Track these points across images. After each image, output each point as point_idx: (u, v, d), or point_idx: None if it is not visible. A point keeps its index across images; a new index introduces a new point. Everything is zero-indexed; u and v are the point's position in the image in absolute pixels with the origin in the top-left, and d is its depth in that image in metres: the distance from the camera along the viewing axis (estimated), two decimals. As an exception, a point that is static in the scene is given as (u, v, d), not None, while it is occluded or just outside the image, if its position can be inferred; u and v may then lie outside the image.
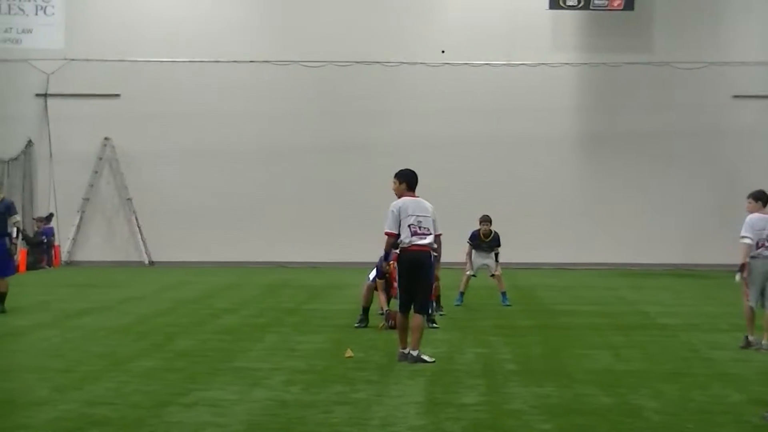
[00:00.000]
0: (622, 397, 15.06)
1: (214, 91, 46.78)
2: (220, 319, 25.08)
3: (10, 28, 47.88)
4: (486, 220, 29.52)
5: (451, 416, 13.58)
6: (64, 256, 46.54)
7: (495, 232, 29.59)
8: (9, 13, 47.94)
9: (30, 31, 48.07)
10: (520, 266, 41.66)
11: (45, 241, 44.85)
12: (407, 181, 18.67)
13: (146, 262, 45.83)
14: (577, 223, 46.11)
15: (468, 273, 29.29)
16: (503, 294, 29.03)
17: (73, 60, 47.42)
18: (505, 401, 14.74)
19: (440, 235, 18.49)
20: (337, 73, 46.67)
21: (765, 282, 20.07)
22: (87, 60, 47.15)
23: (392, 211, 18.19)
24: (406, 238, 18.10)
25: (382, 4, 47.22)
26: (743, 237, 20.10)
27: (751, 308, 20.07)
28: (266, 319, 24.38)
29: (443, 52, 46.95)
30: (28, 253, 43.73)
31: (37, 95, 47.65)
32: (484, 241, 29.46)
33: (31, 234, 45.07)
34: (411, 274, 18.15)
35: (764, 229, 20.08)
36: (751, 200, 20.62)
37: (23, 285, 31.35)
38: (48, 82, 47.56)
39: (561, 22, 47.14)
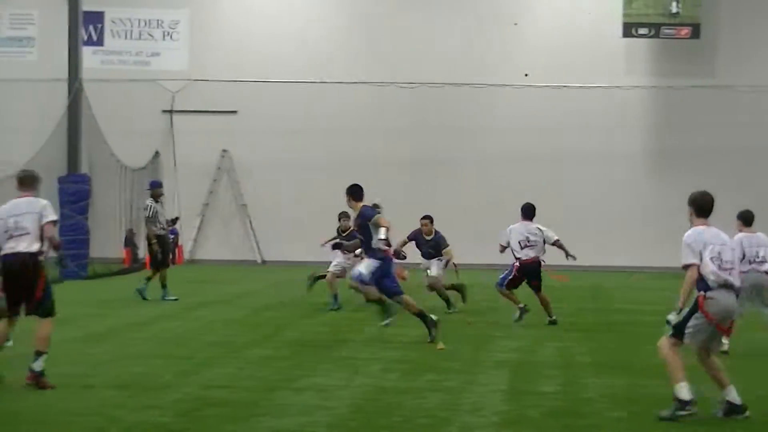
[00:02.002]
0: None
1: (319, 109, 46.92)
2: (323, 312, 25.15)
3: (141, 52, 48.39)
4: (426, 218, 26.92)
5: (532, 403, 13.54)
6: (186, 255, 46.92)
7: (438, 232, 26.71)
8: (140, 38, 48.44)
9: (158, 54, 48.53)
10: (597, 269, 41.43)
11: (172, 240, 45.11)
12: None
13: (259, 260, 46.05)
14: (646, 230, 45.76)
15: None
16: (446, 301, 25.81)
17: (195, 80, 47.74)
18: (580, 391, 14.68)
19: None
20: (429, 94, 46.63)
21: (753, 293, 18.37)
22: (208, 80, 47.45)
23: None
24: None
25: (471, 31, 47.14)
26: None
27: None
28: (365, 313, 24.40)
29: (527, 75, 46.82)
30: (153, 253, 43.89)
31: (164, 111, 48.02)
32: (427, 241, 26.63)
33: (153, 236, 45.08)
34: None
35: (751, 247, 18.72)
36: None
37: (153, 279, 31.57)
38: (173, 100, 47.93)
39: (633, 49, 46.88)
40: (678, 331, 12.61)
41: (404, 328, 20.61)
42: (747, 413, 12.48)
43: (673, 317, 12.65)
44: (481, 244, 34.84)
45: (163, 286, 27.39)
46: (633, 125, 46.72)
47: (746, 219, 19.13)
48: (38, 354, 14.04)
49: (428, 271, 26.08)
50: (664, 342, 12.70)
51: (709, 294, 12.49)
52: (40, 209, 14.31)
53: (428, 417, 12.58)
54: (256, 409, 13.00)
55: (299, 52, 47.43)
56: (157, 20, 48.55)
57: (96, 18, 46.79)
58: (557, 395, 14.25)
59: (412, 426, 12.09)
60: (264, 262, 46.07)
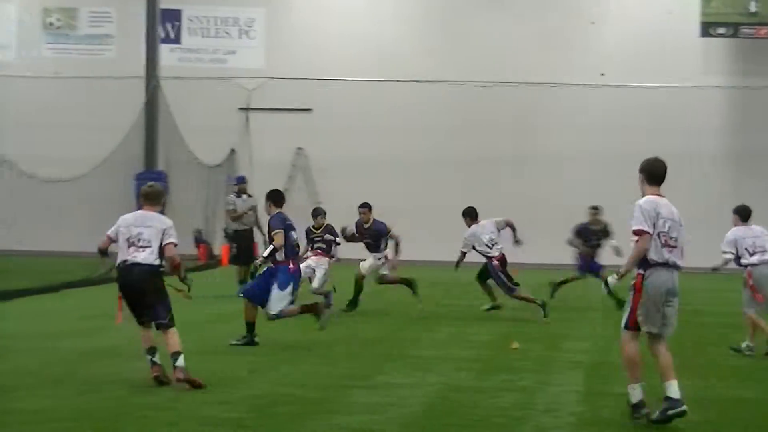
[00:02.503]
0: (762, 392, 14.82)
1: (391, 107, 46.94)
2: (400, 309, 25.12)
3: (218, 50, 48.63)
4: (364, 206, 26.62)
5: (609, 405, 13.42)
6: (261, 251, 46.98)
7: (376, 220, 26.26)
8: (216, 36, 48.68)
9: (234, 52, 48.76)
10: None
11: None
12: None
13: (333, 258, 46.10)
14: (720, 231, 45.23)
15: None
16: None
17: (271, 78, 47.93)
18: (657, 392, 14.51)
19: None
20: (503, 93, 46.56)
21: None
22: (283, 78, 47.61)
23: None
24: None
25: (548, 30, 46.98)
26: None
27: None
28: (443, 309, 24.39)
29: (603, 74, 46.60)
30: (230, 248, 44.10)
31: (240, 109, 48.22)
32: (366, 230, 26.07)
33: (231, 231, 45.41)
34: None
35: (746, 238, 18.74)
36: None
37: (227, 276, 31.76)
38: (249, 98, 48.13)
39: (711, 49, 46.54)
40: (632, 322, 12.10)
41: (478, 327, 20.53)
42: (684, 407, 11.99)
43: (612, 280, 12.45)
44: (553, 243, 34.64)
45: (241, 282, 27.47)
46: (710, 125, 46.34)
47: (743, 214, 19.22)
48: (175, 354, 14.19)
49: (361, 263, 25.55)
50: (624, 337, 12.18)
51: (647, 273, 11.97)
52: (165, 228, 14.46)
53: (503, 416, 12.52)
54: (329, 406, 13.01)
55: (373, 50, 47.51)
56: (234, 18, 48.78)
57: (173, 16, 47.09)
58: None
59: (486, 425, 12.03)
60: (338, 259, 46.07)
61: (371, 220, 25.86)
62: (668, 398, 11.99)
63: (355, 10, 47.98)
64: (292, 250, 19.03)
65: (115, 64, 47.16)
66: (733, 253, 18.67)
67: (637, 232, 12.11)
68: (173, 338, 14.29)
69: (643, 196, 12.63)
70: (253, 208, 27.97)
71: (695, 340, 20.42)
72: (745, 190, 43.78)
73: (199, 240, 43.53)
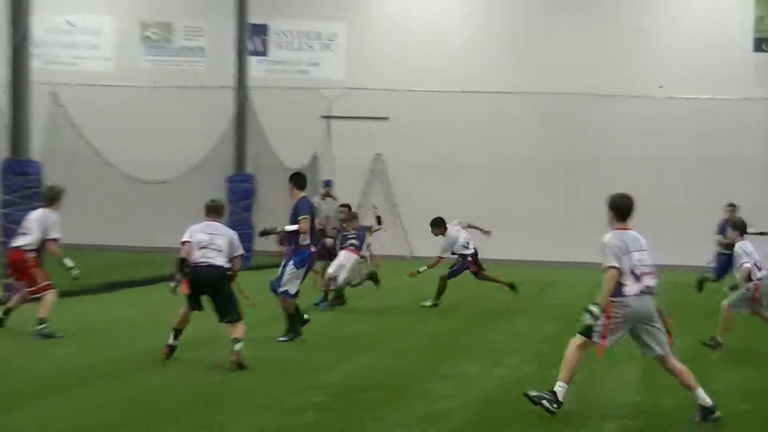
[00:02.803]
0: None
1: (462, 116, 46.88)
2: (471, 304, 25.29)
3: (302, 62, 48.95)
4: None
5: (662, 395, 13.52)
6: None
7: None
8: (301, 49, 48.98)
9: (317, 64, 49.04)
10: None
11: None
12: None
13: (408, 255, 46.25)
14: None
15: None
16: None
17: (351, 88, 48.14)
18: (709, 383, 14.60)
19: None
20: (568, 102, 46.49)
21: None
22: (363, 88, 47.80)
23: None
24: None
25: (609, 44, 46.88)
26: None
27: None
28: (508, 305, 24.51)
29: (661, 87, 46.44)
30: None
31: (322, 117, 48.46)
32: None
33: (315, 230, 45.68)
34: None
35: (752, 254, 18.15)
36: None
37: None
38: (331, 107, 48.38)
39: (763, 63, 46.27)
40: (588, 331, 12.02)
41: (540, 323, 20.63)
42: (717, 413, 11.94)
43: (595, 308, 11.91)
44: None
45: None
46: (758, 135, 46.05)
47: (741, 228, 18.72)
48: (236, 340, 14.87)
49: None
50: (579, 341, 12.15)
51: (622, 300, 11.84)
52: (232, 238, 15.52)
53: (565, 405, 12.47)
54: (404, 394, 13.18)
55: (446, 62, 47.56)
56: (317, 32, 49.06)
57: (261, 30, 47.46)
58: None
59: (547, 415, 12.05)
60: (413, 257, 46.29)
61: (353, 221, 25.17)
62: (700, 406, 11.95)
63: (429, 25, 48.06)
64: (314, 236, 18.33)
65: (207, 75, 47.61)
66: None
67: (610, 269, 11.99)
68: (239, 329, 15.02)
69: (612, 229, 12.45)
70: (337, 211, 28.18)
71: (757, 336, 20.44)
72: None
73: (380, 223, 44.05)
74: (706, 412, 11.92)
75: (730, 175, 45.43)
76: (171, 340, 15.35)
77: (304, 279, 18.07)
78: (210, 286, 15.18)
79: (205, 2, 47.72)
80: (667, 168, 45.72)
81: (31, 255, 18.23)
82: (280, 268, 18.20)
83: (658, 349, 12.15)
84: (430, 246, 27.45)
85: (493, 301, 26.04)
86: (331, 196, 29.84)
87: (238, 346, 14.81)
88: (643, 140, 46.25)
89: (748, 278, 17.90)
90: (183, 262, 15.21)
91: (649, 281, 12.04)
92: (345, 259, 24.00)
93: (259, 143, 40.39)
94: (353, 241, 24.59)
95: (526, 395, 11.93)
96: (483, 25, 47.99)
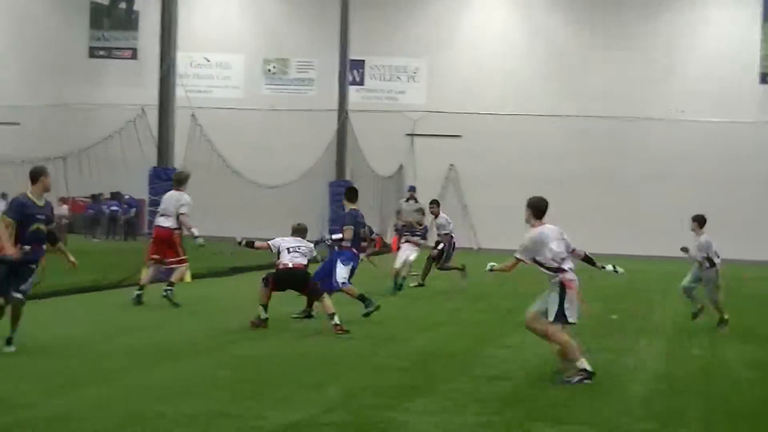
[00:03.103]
0: None
1: (523, 134, 46.78)
2: (528, 288, 25.04)
3: (391, 90, 48.98)
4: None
5: (685, 364, 13.33)
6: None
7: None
8: (390, 80, 49.03)
9: (403, 92, 49.03)
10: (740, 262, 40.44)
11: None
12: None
13: (475, 248, 46.01)
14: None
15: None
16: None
17: (431, 111, 48.10)
18: (720, 354, 14.37)
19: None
20: (613, 125, 46.23)
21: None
22: (440, 112, 47.73)
23: None
24: None
25: (641, 76, 46.44)
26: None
27: None
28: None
29: (683, 111, 45.99)
30: (398, 239, 44.35)
31: (407, 135, 48.46)
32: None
33: (399, 227, 45.65)
34: None
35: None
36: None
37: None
38: (414, 126, 48.36)
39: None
40: (561, 316, 11.58)
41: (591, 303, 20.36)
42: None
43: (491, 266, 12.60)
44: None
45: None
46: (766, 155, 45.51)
47: (701, 222, 17.53)
48: (331, 315, 15.00)
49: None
50: (554, 329, 11.58)
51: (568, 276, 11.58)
52: (312, 250, 15.93)
53: (602, 371, 12.30)
54: (474, 358, 13.10)
55: (510, 90, 47.39)
56: (404, 66, 49.03)
57: (359, 65, 47.50)
58: (701, 357, 13.98)
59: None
60: (479, 249, 46.06)
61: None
62: (586, 369, 11.41)
63: (495, 59, 47.90)
64: (357, 242, 17.28)
65: (315, 101, 47.83)
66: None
67: (517, 259, 11.99)
68: (327, 303, 15.14)
69: (532, 226, 12.18)
70: (419, 211, 27.89)
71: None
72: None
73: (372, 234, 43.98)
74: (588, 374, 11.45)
75: (738, 189, 44.89)
76: (263, 314, 15.31)
77: (353, 273, 17.12)
78: (298, 280, 15.64)
79: (316, 42, 47.89)
80: (685, 181, 45.38)
81: (177, 232, 18.29)
82: (323, 265, 17.46)
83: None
84: (494, 240, 27.42)
85: (545, 285, 25.70)
86: (414, 199, 29.68)
87: (335, 320, 14.81)
88: (669, 158, 45.84)
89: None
90: (251, 245, 16.06)
91: (566, 265, 11.74)
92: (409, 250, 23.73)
93: (356, 155, 40.43)
94: (417, 236, 24.21)
95: (566, 382, 11.33)
96: (540, 59, 47.82)
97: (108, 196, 44.85)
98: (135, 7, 50.65)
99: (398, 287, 22.67)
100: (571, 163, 46.14)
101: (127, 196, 43.76)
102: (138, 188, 34.98)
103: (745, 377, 12.48)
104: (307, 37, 48.85)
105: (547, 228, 12.00)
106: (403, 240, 24.38)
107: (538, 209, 12.25)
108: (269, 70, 49.96)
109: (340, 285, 16.89)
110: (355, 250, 17.14)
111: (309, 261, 15.93)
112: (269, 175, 38.45)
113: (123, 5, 50.93)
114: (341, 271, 16.84)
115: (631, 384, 11.61)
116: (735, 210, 44.34)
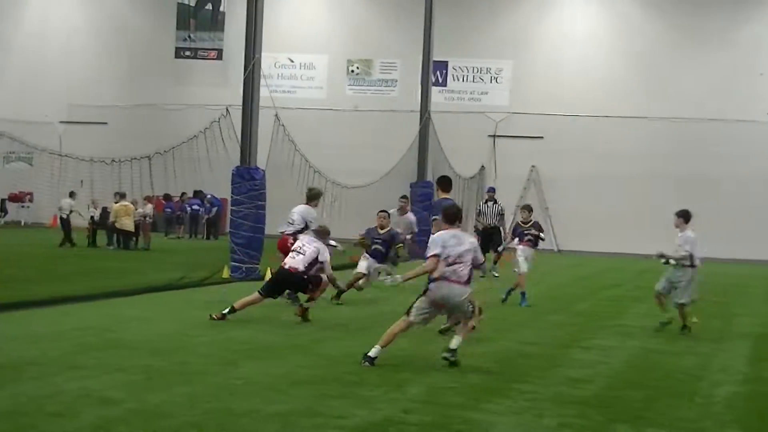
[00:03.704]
0: None
1: (604, 135, 46.51)
2: (607, 290, 24.95)
3: (474, 91, 48.96)
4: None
5: (768, 368, 13.21)
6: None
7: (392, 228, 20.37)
8: (473, 81, 48.98)
9: (486, 93, 48.97)
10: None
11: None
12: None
13: (555, 249, 45.76)
14: None
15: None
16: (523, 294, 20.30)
17: (513, 113, 47.98)
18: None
19: None
20: (688, 126, 45.75)
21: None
22: (522, 113, 47.59)
23: None
24: None
25: (727, 78, 45.86)
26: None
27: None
28: (639, 293, 24.07)
29: (768, 113, 45.58)
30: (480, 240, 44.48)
31: (489, 136, 48.38)
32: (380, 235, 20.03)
33: (480, 228, 45.71)
34: None
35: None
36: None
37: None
38: (496, 127, 48.27)
39: None
40: (409, 309, 12.24)
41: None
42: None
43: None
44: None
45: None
46: None
47: (687, 217, 16.99)
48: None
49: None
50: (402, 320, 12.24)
51: (431, 285, 11.98)
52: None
53: (684, 374, 12.41)
54: (555, 361, 13.06)
55: (591, 92, 47.11)
56: (487, 68, 48.96)
57: (442, 66, 47.53)
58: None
59: (671, 379, 11.92)
60: (560, 251, 45.80)
61: (388, 227, 20.13)
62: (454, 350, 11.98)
63: (577, 62, 47.67)
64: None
65: (398, 101, 48.00)
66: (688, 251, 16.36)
67: (430, 256, 12.07)
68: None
69: (440, 230, 12.46)
70: (500, 212, 27.74)
71: None
72: None
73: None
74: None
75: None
76: (227, 310, 15.64)
77: None
78: (287, 284, 16.44)
79: (399, 43, 48.04)
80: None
81: (292, 239, 18.13)
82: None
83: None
84: (576, 242, 27.19)
85: (631, 286, 25.55)
86: (493, 200, 29.58)
87: (306, 304, 15.97)
88: (751, 158, 45.31)
89: None
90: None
91: (457, 270, 12.01)
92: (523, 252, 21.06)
93: (437, 156, 40.44)
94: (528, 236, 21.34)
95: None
96: (621, 62, 47.46)
97: (191, 195, 45.43)
98: (221, 8, 51.28)
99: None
100: (655, 165, 45.71)
101: (209, 195, 44.30)
102: (221, 188, 35.43)
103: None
104: (390, 38, 49.03)
105: (448, 233, 12.23)
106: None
107: (446, 215, 12.56)
108: (353, 71, 50.22)
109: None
110: None
111: (316, 261, 15.90)
112: (351, 175, 38.74)
113: (209, 6, 51.59)
114: None
115: (714, 387, 11.51)
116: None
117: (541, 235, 21.15)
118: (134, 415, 8.82)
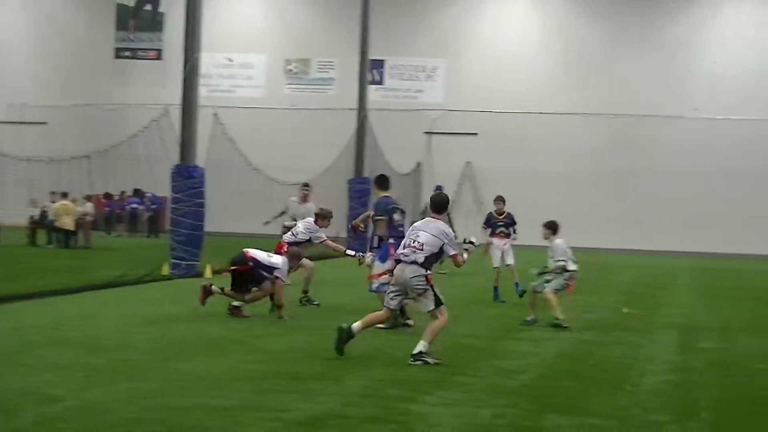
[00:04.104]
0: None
1: (536, 131, 46.94)
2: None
3: (410, 89, 49.15)
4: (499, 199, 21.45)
5: (696, 356, 13.38)
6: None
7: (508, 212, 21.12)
8: (409, 79, 49.19)
9: (422, 91, 49.18)
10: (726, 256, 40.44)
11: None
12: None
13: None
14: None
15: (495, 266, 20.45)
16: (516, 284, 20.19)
17: (448, 110, 48.23)
18: (732, 348, 14.42)
19: None
20: (621, 123, 46.30)
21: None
22: (457, 110, 47.87)
23: None
24: None
25: (657, 73, 46.41)
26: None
27: None
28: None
29: (696, 109, 46.01)
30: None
31: (425, 133, 48.59)
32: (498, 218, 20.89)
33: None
34: None
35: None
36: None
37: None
38: (432, 125, 48.46)
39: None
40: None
41: (597, 297, 20.41)
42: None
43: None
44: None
45: None
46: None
47: (554, 228, 16.57)
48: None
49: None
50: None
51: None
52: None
53: (614, 363, 12.57)
54: (490, 352, 13.15)
55: (526, 89, 47.50)
56: (422, 66, 49.16)
57: (379, 64, 47.63)
58: (713, 351, 14.02)
59: (602, 369, 12.06)
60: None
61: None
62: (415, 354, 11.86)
63: (512, 59, 48.04)
64: (394, 231, 15.28)
65: (335, 100, 47.98)
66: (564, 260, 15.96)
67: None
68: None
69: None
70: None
71: None
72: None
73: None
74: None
75: (753, 182, 44.85)
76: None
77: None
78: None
79: (336, 42, 48.06)
80: (697, 175, 45.41)
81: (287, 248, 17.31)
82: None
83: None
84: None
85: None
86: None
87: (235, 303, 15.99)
88: (681, 153, 45.90)
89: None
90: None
91: (412, 255, 12.10)
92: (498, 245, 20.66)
93: (374, 153, 40.49)
94: (502, 227, 21.01)
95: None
96: (554, 60, 47.91)
97: (130, 194, 45.06)
98: (160, 9, 50.89)
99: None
100: (590, 161, 46.21)
101: (149, 194, 43.96)
102: (161, 186, 35.18)
103: (757, 368, 12.53)
104: (327, 37, 49.01)
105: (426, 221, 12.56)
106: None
107: (432, 203, 12.91)
108: (291, 70, 50.13)
109: (374, 289, 15.25)
110: (392, 241, 15.00)
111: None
112: (290, 172, 38.63)
113: (149, 7, 51.19)
114: (376, 270, 15.10)
115: (642, 376, 11.67)
116: (757, 206, 44.58)
117: (514, 228, 20.55)
118: (75, 412, 8.77)
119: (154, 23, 51.03)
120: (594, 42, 47.38)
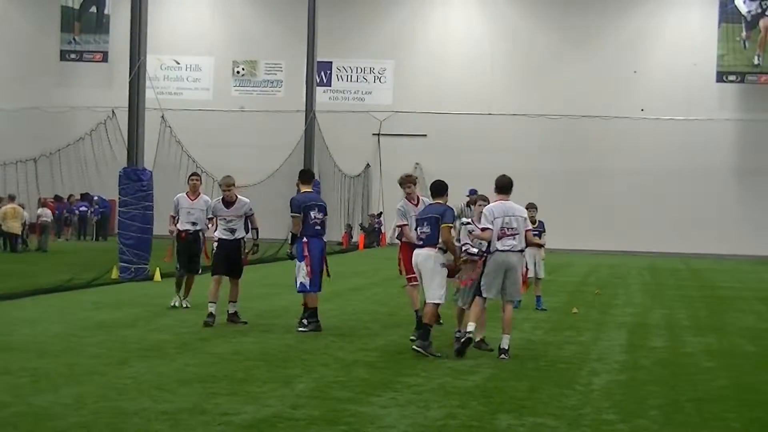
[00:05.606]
0: (764, 347, 14.70)
1: (485, 133, 47.18)
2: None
3: (358, 91, 49.10)
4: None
5: (645, 355, 13.43)
6: (388, 239, 47.26)
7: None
8: (357, 81, 49.15)
9: (370, 93, 49.14)
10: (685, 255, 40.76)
11: (377, 229, 45.78)
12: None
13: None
14: (728, 229, 44.84)
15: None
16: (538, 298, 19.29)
17: (397, 112, 48.25)
18: (681, 346, 14.48)
19: None
20: (568, 123, 46.53)
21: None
22: (406, 112, 47.92)
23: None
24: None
25: (600, 75, 46.75)
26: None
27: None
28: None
29: (642, 110, 46.38)
30: (365, 237, 44.59)
31: (373, 134, 48.59)
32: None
33: (366, 225, 45.95)
34: None
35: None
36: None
37: (364, 257, 31.86)
38: (380, 126, 48.43)
39: (725, 91, 46.01)
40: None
41: (547, 296, 20.48)
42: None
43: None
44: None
45: None
46: (723, 149, 45.92)
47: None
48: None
49: None
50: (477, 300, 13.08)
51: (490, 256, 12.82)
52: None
53: (565, 363, 12.58)
54: (440, 353, 13.05)
55: (475, 90, 47.70)
56: (370, 68, 49.15)
57: (326, 66, 47.54)
58: (663, 349, 14.08)
59: (553, 369, 12.05)
60: (445, 245, 46.10)
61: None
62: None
63: (461, 60, 48.22)
64: (310, 229, 14.67)
65: (283, 101, 47.85)
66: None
67: (483, 230, 12.98)
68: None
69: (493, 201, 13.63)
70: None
71: (720, 309, 20.26)
72: (751, 201, 43.49)
73: (349, 229, 44.26)
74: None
75: (698, 181, 45.33)
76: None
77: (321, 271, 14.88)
78: None
79: (283, 45, 47.92)
80: (645, 175, 45.79)
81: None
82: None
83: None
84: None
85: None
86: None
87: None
88: (629, 153, 46.27)
89: None
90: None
91: (516, 240, 12.97)
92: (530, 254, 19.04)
93: (323, 155, 40.42)
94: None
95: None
96: (503, 61, 48.16)
97: (78, 197, 44.53)
98: (106, 11, 50.37)
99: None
100: (535, 161, 46.42)
101: (96, 197, 43.49)
102: (109, 189, 34.81)
103: (705, 366, 12.59)
104: (275, 40, 48.83)
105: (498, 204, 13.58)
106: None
107: (497, 185, 14.30)
108: (238, 72, 49.88)
109: (298, 289, 14.76)
110: (305, 240, 14.47)
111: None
112: (238, 175, 38.24)
113: (93, 9, 50.64)
114: (298, 272, 14.60)
115: (593, 376, 11.67)
116: (699, 204, 45.00)
117: (542, 238, 19.54)
118: (21, 417, 8.59)
119: (100, 25, 50.51)
120: (541, 44, 47.65)
